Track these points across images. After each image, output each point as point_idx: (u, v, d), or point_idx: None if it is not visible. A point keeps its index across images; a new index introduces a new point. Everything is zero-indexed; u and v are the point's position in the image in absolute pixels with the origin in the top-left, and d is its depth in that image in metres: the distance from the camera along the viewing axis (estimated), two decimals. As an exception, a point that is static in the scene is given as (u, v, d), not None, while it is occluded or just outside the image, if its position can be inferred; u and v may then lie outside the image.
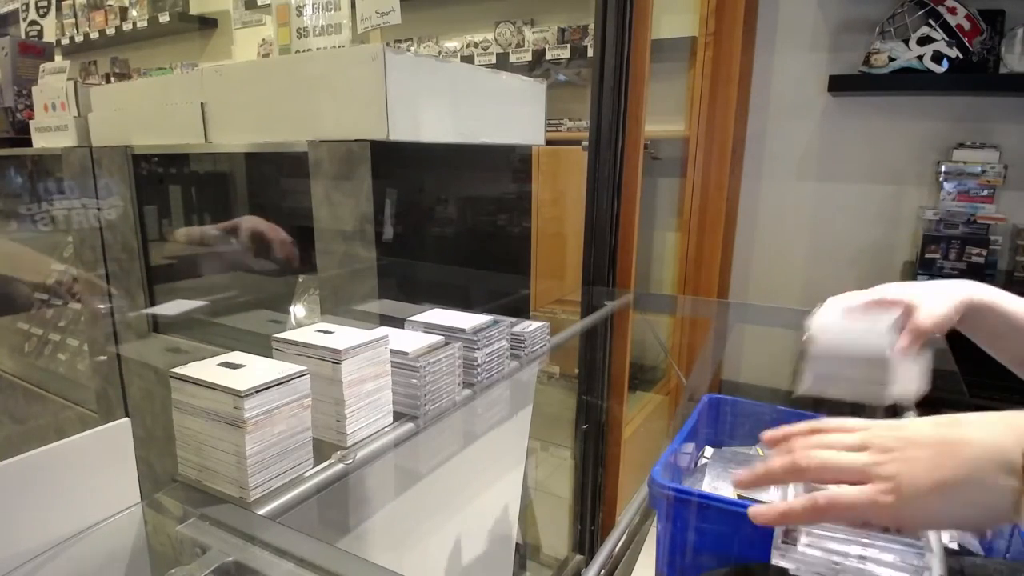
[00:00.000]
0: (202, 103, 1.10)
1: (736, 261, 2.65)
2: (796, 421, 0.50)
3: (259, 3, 3.65)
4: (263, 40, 3.68)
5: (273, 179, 1.29)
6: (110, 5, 4.05)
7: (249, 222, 1.24)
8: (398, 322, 0.92)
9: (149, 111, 1.23)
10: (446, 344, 0.85)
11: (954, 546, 0.98)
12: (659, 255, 2.75)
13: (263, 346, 0.75)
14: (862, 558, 0.42)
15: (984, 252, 2.02)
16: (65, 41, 4.25)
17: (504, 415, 1.10)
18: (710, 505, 1.04)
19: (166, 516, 0.63)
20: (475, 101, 1.10)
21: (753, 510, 0.46)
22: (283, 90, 1.00)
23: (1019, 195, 2.10)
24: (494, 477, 1.14)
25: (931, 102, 2.19)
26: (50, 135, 1.40)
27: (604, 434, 1.71)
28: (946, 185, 2.11)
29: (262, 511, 0.61)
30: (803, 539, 0.44)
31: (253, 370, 0.64)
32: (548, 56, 2.75)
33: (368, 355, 0.74)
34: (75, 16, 4.23)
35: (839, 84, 2.20)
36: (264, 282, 1.32)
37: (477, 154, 1.25)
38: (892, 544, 0.42)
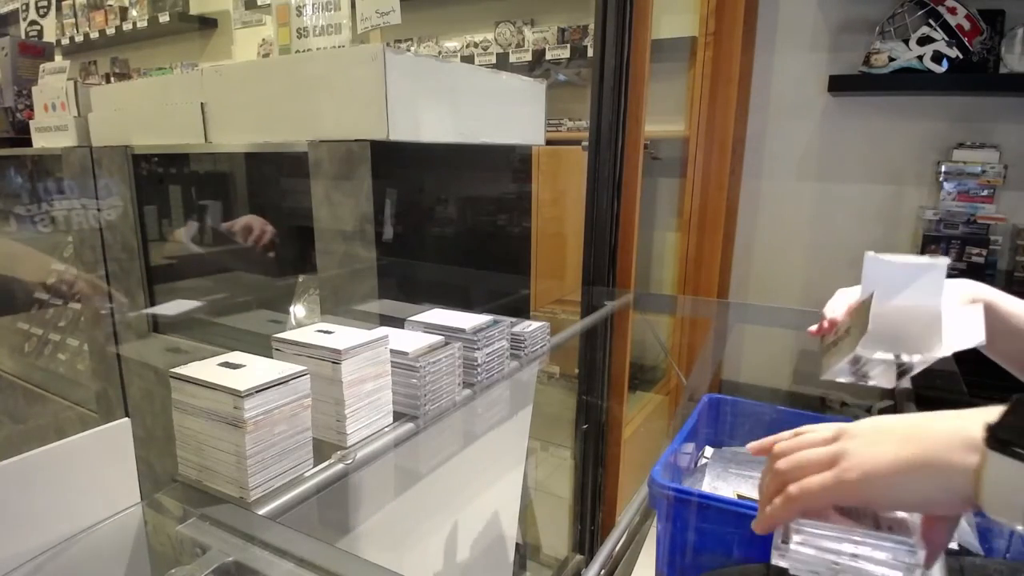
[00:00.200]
0: (202, 103, 1.10)
1: (736, 261, 2.65)
2: (796, 421, 0.51)
3: (259, 3, 3.65)
4: (263, 40, 3.68)
5: (273, 179, 1.29)
6: (110, 5, 4.05)
7: (246, 218, 1.25)
8: (398, 322, 0.92)
9: (149, 111, 1.23)
10: (446, 344, 0.85)
11: (954, 546, 0.98)
12: (659, 255, 2.75)
13: (263, 346, 0.75)
14: (854, 556, 0.42)
15: (984, 252, 2.02)
16: (65, 41, 4.25)
17: (504, 415, 1.10)
18: (710, 505, 1.04)
19: (166, 516, 0.63)
20: (475, 101, 1.10)
21: (753, 523, 0.49)
22: (283, 90, 1.00)
23: (1019, 195, 2.10)
24: (494, 477, 1.14)
25: (931, 102, 2.19)
26: (50, 135, 1.40)
27: (604, 434, 1.71)
28: (946, 185, 2.11)
29: (262, 511, 0.61)
30: (795, 537, 0.44)
31: (253, 370, 0.65)
32: (548, 56, 2.75)
33: (368, 355, 0.74)
34: (75, 16, 4.23)
35: (839, 84, 2.20)
36: (264, 282, 1.32)
37: (477, 154, 1.25)
38: (884, 543, 0.42)
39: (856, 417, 0.68)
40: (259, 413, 0.61)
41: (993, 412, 0.41)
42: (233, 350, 0.69)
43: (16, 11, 1.67)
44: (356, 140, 0.94)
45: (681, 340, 2.51)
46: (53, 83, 1.41)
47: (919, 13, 2.01)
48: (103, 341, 1.44)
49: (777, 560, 0.44)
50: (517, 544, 1.36)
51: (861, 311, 0.66)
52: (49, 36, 1.63)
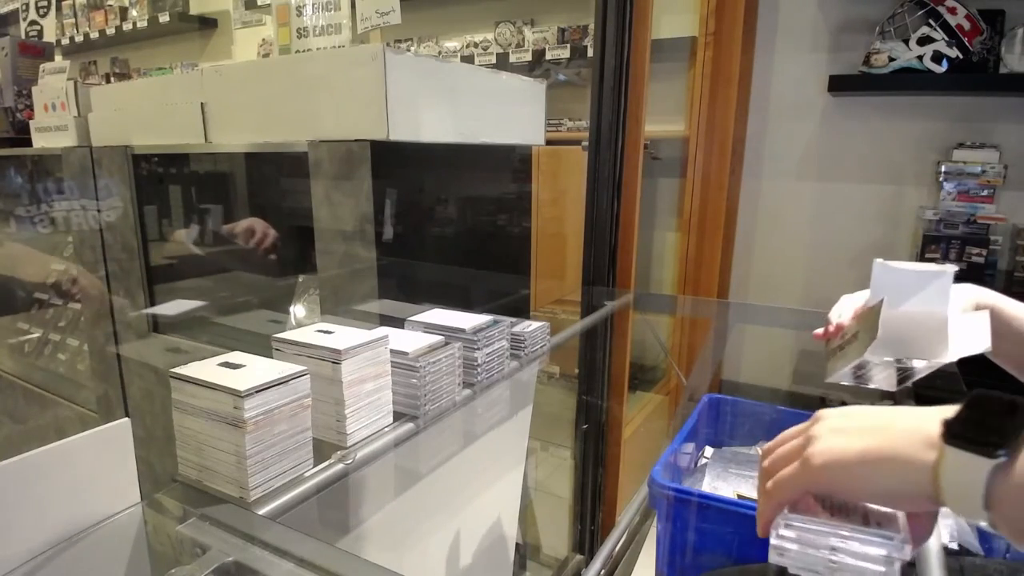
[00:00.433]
0: (202, 103, 1.10)
1: (736, 261, 2.65)
2: (796, 421, 0.51)
3: (259, 3, 3.65)
4: (263, 40, 3.68)
5: (273, 179, 1.29)
6: (110, 5, 4.05)
7: (247, 221, 1.25)
8: (398, 322, 0.92)
9: (149, 111, 1.23)
10: (446, 344, 0.85)
11: (954, 546, 0.98)
12: (659, 255, 2.75)
13: (263, 346, 0.75)
14: (833, 549, 0.43)
15: (984, 252, 2.02)
16: (65, 41, 4.25)
17: (504, 415, 1.10)
18: (710, 505, 1.04)
19: (166, 516, 0.63)
20: (475, 101, 1.10)
21: (758, 528, 0.49)
22: (283, 90, 1.00)
23: (1019, 195, 2.10)
24: (494, 477, 1.14)
25: (931, 102, 2.19)
26: (50, 135, 1.40)
27: (604, 434, 1.71)
28: (946, 185, 2.11)
29: (262, 511, 0.61)
30: (783, 532, 0.45)
31: (253, 370, 0.64)
32: (548, 56, 2.75)
33: (368, 355, 0.74)
34: (75, 16, 4.23)
35: (839, 84, 2.20)
36: (264, 282, 1.32)
37: (477, 154, 1.25)
38: (871, 537, 0.43)
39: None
40: (259, 413, 0.61)
41: (951, 409, 0.42)
42: (233, 350, 0.69)
43: (16, 11, 1.68)
44: (356, 140, 0.94)
45: (681, 340, 2.52)
46: (53, 83, 1.41)
47: (919, 13, 2.01)
48: (103, 341, 1.44)
49: (775, 558, 0.45)
50: (517, 544, 1.36)
51: (870, 316, 0.66)
52: (49, 36, 1.63)
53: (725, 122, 2.37)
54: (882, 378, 0.70)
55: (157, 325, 1.42)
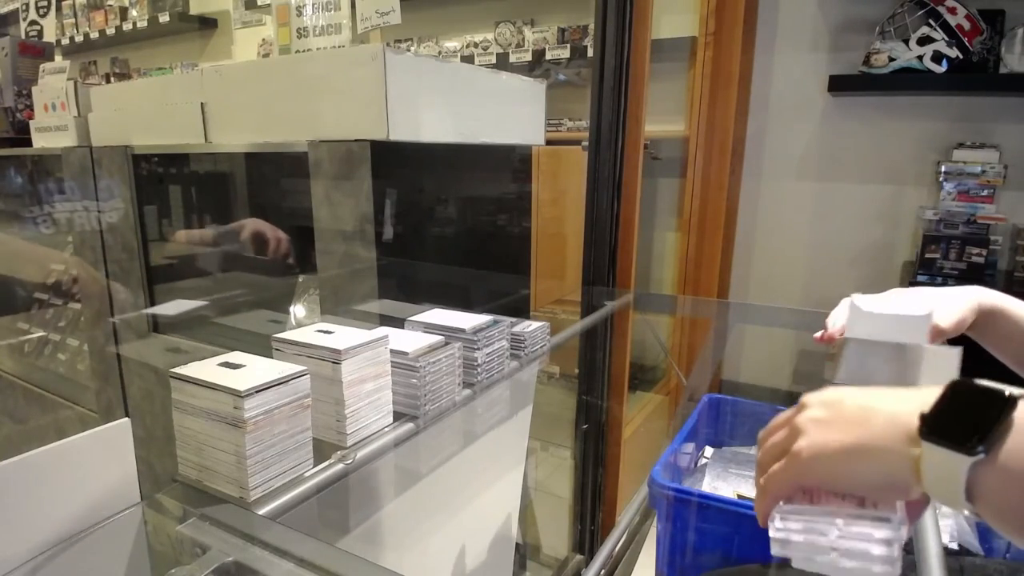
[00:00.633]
0: (202, 103, 1.10)
1: (736, 261, 2.65)
2: None
3: (259, 3, 3.65)
4: (263, 40, 3.68)
5: (273, 179, 1.29)
6: (110, 5, 4.05)
7: (252, 224, 1.25)
8: (398, 322, 0.92)
9: (149, 111, 1.23)
10: (446, 344, 0.85)
11: (954, 546, 0.98)
12: (659, 255, 2.75)
13: (263, 346, 0.75)
14: (832, 535, 0.43)
15: (984, 252, 2.02)
16: (65, 41, 4.25)
17: (504, 415, 1.10)
18: (710, 505, 1.04)
19: (166, 516, 0.63)
20: (475, 101, 1.10)
21: (759, 519, 0.49)
22: (283, 90, 1.00)
23: (1019, 195, 2.10)
24: (494, 477, 1.14)
25: (931, 102, 2.19)
26: (50, 135, 1.40)
27: (604, 434, 1.71)
28: (946, 185, 2.11)
29: (262, 511, 0.61)
30: (781, 524, 0.45)
31: (253, 370, 0.65)
32: (548, 56, 2.75)
33: (368, 355, 0.74)
34: (75, 16, 4.23)
35: (839, 84, 2.20)
36: (264, 282, 1.32)
37: (477, 154, 1.25)
38: (870, 520, 0.43)
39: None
40: (259, 413, 0.61)
41: (930, 398, 0.41)
42: (233, 350, 0.69)
43: (16, 11, 1.67)
44: (356, 140, 0.94)
45: (681, 340, 2.52)
46: (53, 83, 1.41)
47: (919, 13, 2.01)
48: (103, 341, 1.44)
49: (777, 550, 0.45)
50: (517, 544, 1.36)
51: (841, 346, 0.67)
52: (49, 36, 1.63)
53: (725, 122, 2.37)
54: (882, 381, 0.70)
55: (157, 325, 1.42)
